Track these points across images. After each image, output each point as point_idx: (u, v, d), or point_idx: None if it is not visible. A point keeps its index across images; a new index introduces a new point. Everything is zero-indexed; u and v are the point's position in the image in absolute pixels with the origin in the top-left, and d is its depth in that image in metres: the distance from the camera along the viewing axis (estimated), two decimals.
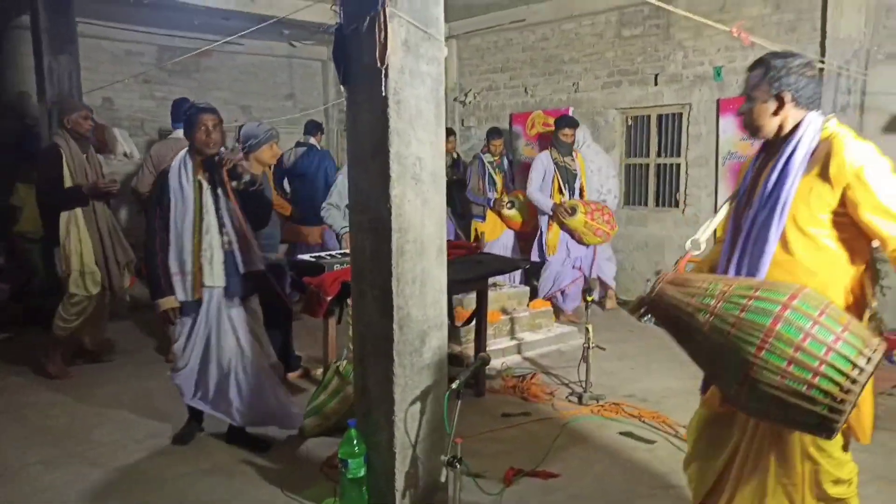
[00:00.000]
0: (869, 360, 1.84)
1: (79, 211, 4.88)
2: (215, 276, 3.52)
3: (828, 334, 1.85)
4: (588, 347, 4.48)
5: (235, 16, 7.37)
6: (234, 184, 3.51)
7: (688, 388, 4.64)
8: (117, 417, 4.30)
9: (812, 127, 2.20)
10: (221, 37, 6.99)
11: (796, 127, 2.23)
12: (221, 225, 3.52)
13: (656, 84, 7.25)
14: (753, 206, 2.27)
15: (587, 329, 4.50)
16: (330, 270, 4.21)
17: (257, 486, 3.38)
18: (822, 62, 5.84)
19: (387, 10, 2.56)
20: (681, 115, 7.18)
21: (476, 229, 7.32)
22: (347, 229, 5.00)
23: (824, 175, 2.11)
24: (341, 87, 2.99)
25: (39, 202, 5.00)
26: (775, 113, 2.24)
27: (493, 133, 7.32)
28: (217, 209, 3.52)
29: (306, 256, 4.76)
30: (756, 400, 1.93)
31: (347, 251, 4.73)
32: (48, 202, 4.91)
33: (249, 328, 3.67)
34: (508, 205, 7.02)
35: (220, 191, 3.54)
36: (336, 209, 5.11)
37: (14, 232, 7.01)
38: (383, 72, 2.61)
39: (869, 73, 5.76)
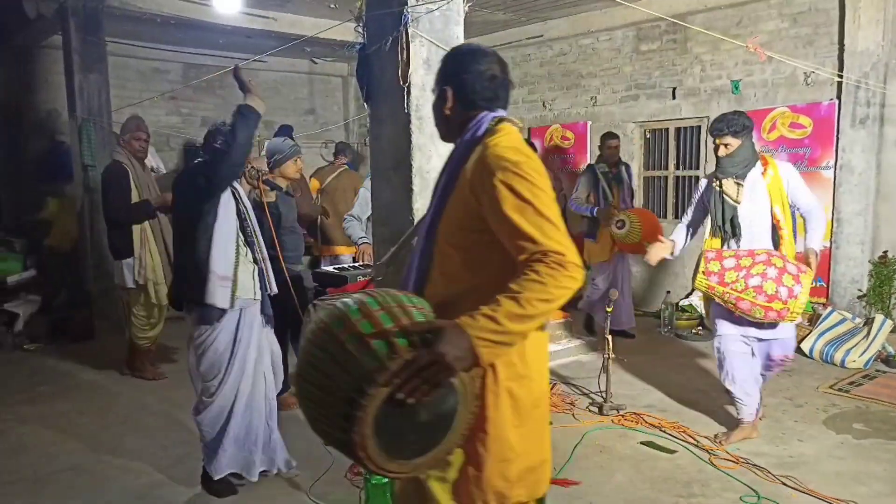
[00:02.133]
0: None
1: (147, 224, 5.09)
2: (255, 289, 3.38)
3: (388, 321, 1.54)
4: (608, 358, 4.52)
5: (258, 34, 7.54)
6: (271, 194, 3.48)
7: (709, 399, 4.66)
8: (144, 426, 4.40)
9: (476, 129, 1.86)
10: (245, 54, 7.16)
11: (467, 130, 1.89)
12: (254, 239, 3.42)
13: (674, 98, 7.30)
14: (425, 221, 1.96)
15: (607, 340, 4.54)
16: (353, 281, 4.30)
17: (283, 492, 3.45)
18: (840, 76, 5.87)
19: (409, 30, 2.66)
20: (699, 128, 7.22)
21: (586, 249, 6.34)
22: (365, 240, 5.08)
23: (469, 184, 1.77)
24: (363, 104, 3.09)
25: (108, 219, 5.17)
26: (446, 110, 1.92)
27: (608, 136, 6.43)
28: (250, 221, 3.43)
29: (330, 268, 4.85)
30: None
31: (367, 262, 4.82)
32: (119, 218, 5.06)
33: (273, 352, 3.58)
34: (618, 224, 5.80)
35: (251, 204, 3.50)
36: (357, 220, 5.21)
37: (44, 245, 7.19)
38: (405, 89, 2.70)
39: (888, 85, 5.77)
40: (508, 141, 1.77)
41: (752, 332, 3.89)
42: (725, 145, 3.83)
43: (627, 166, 6.58)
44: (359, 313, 1.56)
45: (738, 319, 3.83)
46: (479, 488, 1.78)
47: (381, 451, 1.52)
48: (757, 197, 3.83)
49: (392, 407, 1.49)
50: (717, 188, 3.93)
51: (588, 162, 8.05)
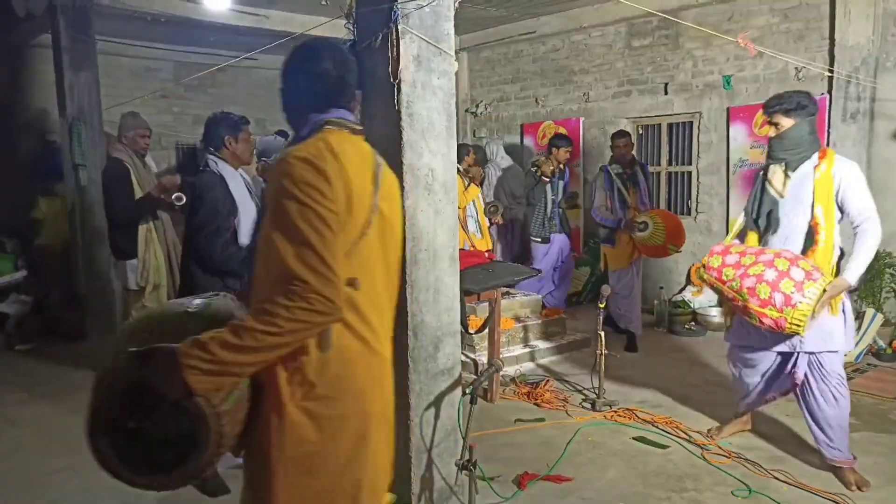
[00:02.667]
0: None
1: (151, 224, 4.99)
2: None
3: None
4: (601, 354, 4.53)
5: (249, 32, 7.52)
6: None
7: (701, 394, 4.68)
8: None
9: (300, 131, 1.80)
10: (236, 52, 7.13)
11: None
12: None
13: (666, 93, 7.31)
14: None
15: (600, 336, 4.55)
16: None
17: None
18: (831, 71, 5.89)
19: (399, 26, 2.65)
20: (691, 123, 7.23)
21: (604, 255, 6.25)
22: None
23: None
24: None
25: (111, 218, 5.03)
26: (284, 111, 1.90)
27: (617, 135, 6.10)
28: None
29: None
30: None
31: None
32: (124, 217, 4.91)
33: None
34: (641, 226, 5.62)
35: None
36: None
37: (35, 245, 7.16)
38: (396, 86, 2.69)
39: (878, 80, 5.79)
40: (308, 151, 1.64)
41: (771, 345, 3.49)
42: (776, 125, 3.40)
43: (643, 166, 6.21)
44: (125, 333, 1.69)
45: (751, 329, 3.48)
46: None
47: (124, 465, 1.62)
48: (802, 193, 3.36)
49: (121, 427, 1.58)
50: (762, 174, 3.54)
51: (580, 161, 8.07)
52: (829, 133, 6.07)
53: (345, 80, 1.85)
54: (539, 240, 6.71)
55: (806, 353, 3.41)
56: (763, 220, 3.49)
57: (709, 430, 4.03)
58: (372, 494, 1.81)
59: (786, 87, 6.30)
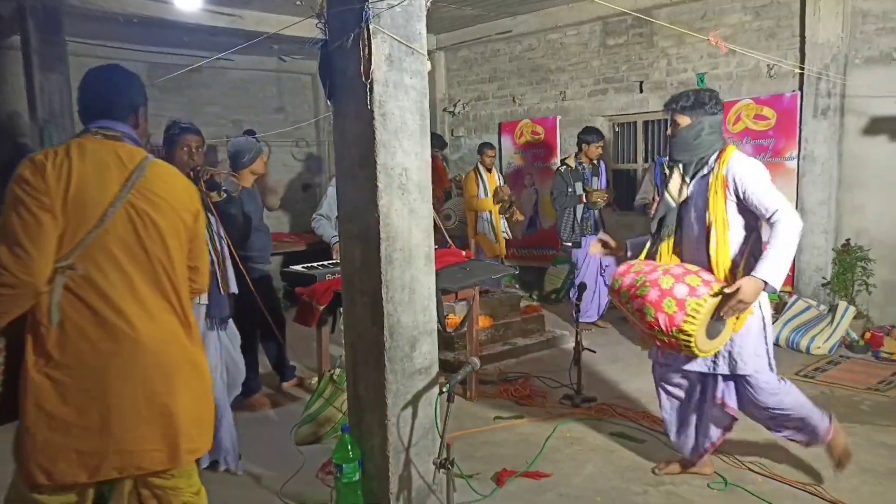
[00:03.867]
0: None
1: None
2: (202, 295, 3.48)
3: None
4: (579, 350, 4.55)
5: (224, 32, 7.46)
6: (213, 195, 3.48)
7: None
8: None
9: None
10: (211, 53, 7.07)
11: None
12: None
13: (641, 91, 7.37)
14: None
15: (577, 332, 4.58)
16: (322, 280, 4.28)
17: (254, 492, 3.43)
18: (802, 68, 5.97)
19: (370, 26, 2.64)
20: (666, 121, 7.27)
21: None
22: (337, 239, 5.07)
23: None
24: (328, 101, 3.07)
25: None
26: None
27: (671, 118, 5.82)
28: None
29: (298, 267, 4.82)
30: None
31: (338, 261, 4.80)
32: None
33: (227, 354, 3.60)
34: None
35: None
36: (326, 220, 5.18)
37: None
38: (368, 85, 2.69)
39: (848, 76, 5.88)
40: (41, 153, 1.97)
41: (692, 366, 3.18)
42: (675, 123, 3.12)
43: None
44: None
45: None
46: (21, 456, 1.99)
47: None
48: (699, 200, 3.08)
49: None
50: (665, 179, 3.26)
51: (556, 160, 8.10)
52: (801, 129, 6.15)
53: (111, 97, 2.17)
54: (570, 244, 6.40)
55: (720, 374, 3.17)
56: (655, 224, 3.22)
57: (655, 468, 3.55)
58: (120, 467, 2.02)
59: (758, 84, 6.41)
